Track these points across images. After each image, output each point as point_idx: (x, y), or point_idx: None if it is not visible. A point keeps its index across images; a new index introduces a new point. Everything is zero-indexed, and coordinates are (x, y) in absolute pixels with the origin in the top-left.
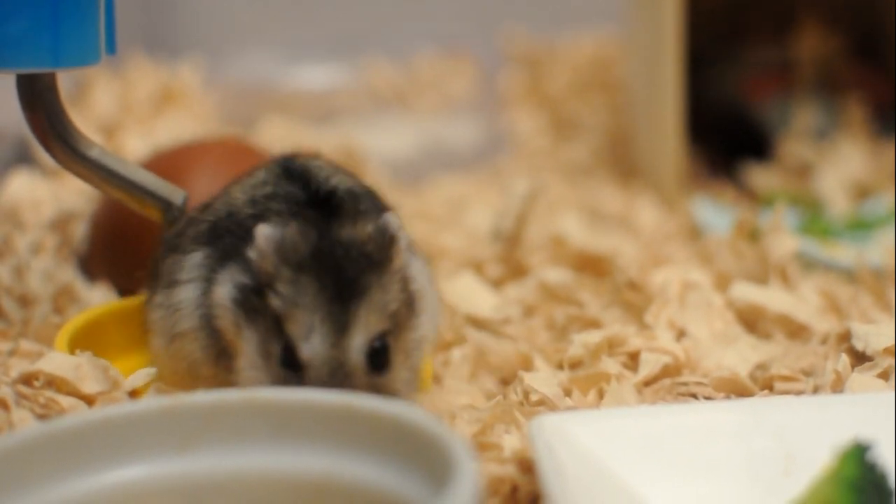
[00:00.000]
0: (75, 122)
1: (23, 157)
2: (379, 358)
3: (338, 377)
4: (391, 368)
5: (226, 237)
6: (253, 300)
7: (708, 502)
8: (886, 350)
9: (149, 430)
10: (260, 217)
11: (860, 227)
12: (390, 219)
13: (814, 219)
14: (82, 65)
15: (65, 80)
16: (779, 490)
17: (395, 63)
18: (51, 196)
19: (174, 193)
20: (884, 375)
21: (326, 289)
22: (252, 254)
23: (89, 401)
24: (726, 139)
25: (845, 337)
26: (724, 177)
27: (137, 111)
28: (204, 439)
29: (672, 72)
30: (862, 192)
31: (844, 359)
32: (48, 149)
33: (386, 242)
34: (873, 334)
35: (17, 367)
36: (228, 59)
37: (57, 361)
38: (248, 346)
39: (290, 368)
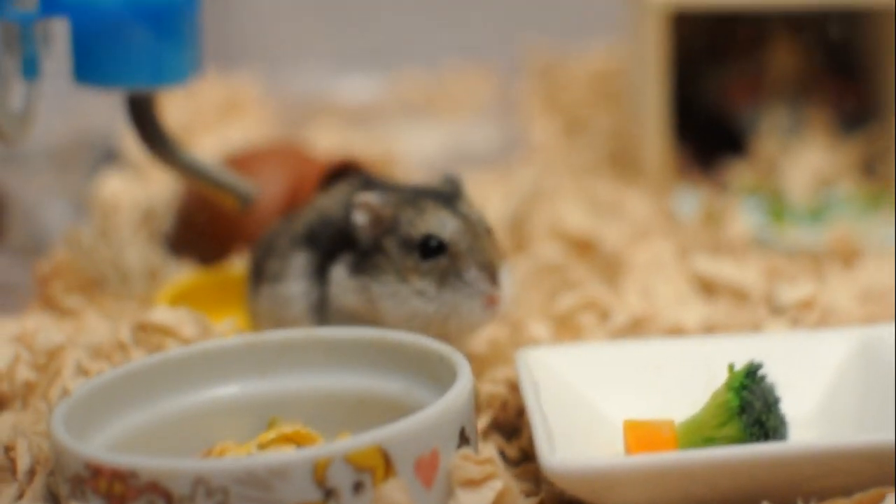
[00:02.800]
0: None
1: (112, 158)
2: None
3: (480, 249)
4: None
5: (323, 238)
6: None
7: (647, 412)
8: (797, 303)
9: (236, 359)
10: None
11: (818, 212)
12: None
13: (775, 206)
14: (177, 83)
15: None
16: (700, 404)
17: (424, 73)
18: (140, 192)
19: (248, 187)
20: (792, 322)
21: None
22: (359, 217)
23: (188, 343)
24: (710, 139)
25: (770, 296)
26: (707, 171)
27: (206, 119)
28: (278, 366)
29: (657, 84)
30: (822, 183)
31: (762, 310)
32: (151, 152)
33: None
34: (787, 292)
35: (128, 319)
36: (283, 72)
37: (162, 314)
38: (388, 289)
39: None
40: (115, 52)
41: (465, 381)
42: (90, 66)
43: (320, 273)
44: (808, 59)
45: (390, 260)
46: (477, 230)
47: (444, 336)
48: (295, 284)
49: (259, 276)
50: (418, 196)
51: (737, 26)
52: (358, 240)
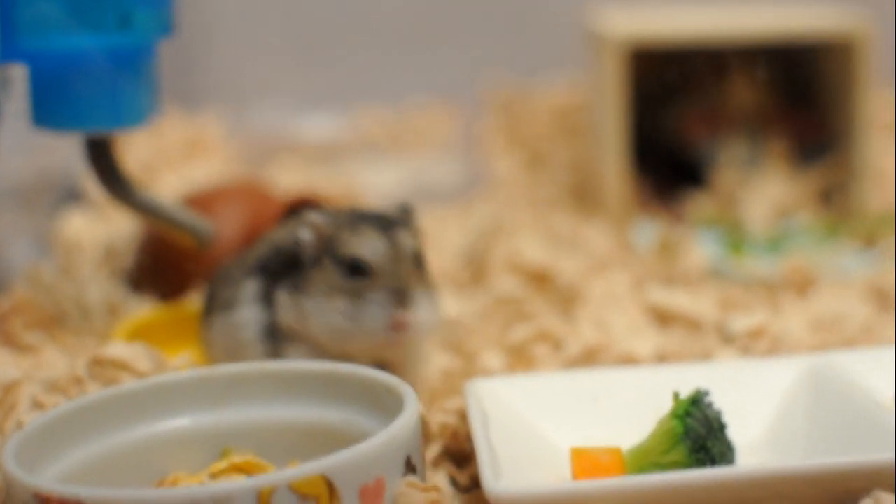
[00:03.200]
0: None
1: (71, 195)
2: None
3: (397, 274)
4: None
5: (272, 265)
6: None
7: (597, 440)
8: (748, 332)
9: (188, 392)
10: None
11: (776, 243)
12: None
13: (734, 237)
14: (135, 125)
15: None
16: (648, 432)
17: (387, 110)
18: (102, 230)
19: (204, 226)
20: (742, 350)
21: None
22: (304, 234)
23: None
24: (670, 172)
25: (721, 326)
26: (668, 203)
27: (170, 157)
28: (229, 398)
29: (616, 115)
30: (781, 214)
31: (712, 339)
32: (109, 192)
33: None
34: (738, 321)
35: (86, 354)
36: (246, 111)
37: (118, 348)
38: (315, 305)
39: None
40: (71, 96)
41: (410, 410)
42: (47, 110)
43: (269, 298)
44: (766, 92)
45: (323, 278)
46: (402, 256)
47: (360, 353)
48: (246, 310)
49: (211, 305)
50: (359, 219)
51: (696, 61)
52: (302, 259)
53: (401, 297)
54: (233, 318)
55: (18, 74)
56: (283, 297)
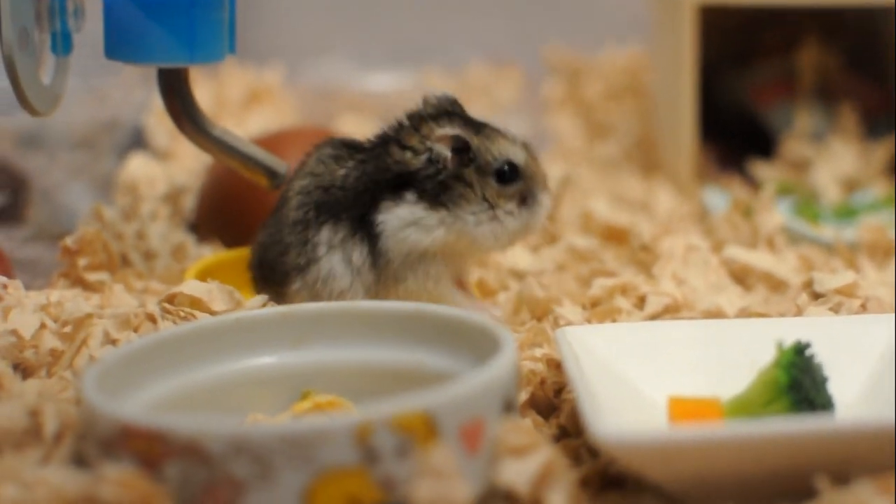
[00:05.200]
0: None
1: (138, 143)
2: None
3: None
4: None
5: (342, 202)
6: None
7: (682, 391)
8: (837, 290)
9: (271, 330)
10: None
11: (847, 214)
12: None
13: (806, 206)
14: (211, 61)
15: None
16: (741, 385)
17: (450, 72)
18: (163, 174)
19: (279, 164)
20: (834, 308)
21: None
22: (441, 149)
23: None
24: (739, 139)
25: (809, 284)
26: (736, 171)
27: (230, 107)
28: (312, 337)
29: (688, 80)
30: (851, 186)
31: (804, 296)
32: (181, 128)
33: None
34: (828, 280)
35: (151, 295)
36: (306, 65)
37: (193, 286)
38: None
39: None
40: (148, 28)
41: (508, 352)
42: (122, 41)
43: (350, 239)
44: (838, 61)
45: (473, 188)
46: (535, 154)
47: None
48: (331, 259)
49: (284, 275)
50: (480, 127)
51: (767, 27)
52: (429, 174)
53: (550, 192)
54: (317, 272)
55: (91, 8)
56: (407, 218)
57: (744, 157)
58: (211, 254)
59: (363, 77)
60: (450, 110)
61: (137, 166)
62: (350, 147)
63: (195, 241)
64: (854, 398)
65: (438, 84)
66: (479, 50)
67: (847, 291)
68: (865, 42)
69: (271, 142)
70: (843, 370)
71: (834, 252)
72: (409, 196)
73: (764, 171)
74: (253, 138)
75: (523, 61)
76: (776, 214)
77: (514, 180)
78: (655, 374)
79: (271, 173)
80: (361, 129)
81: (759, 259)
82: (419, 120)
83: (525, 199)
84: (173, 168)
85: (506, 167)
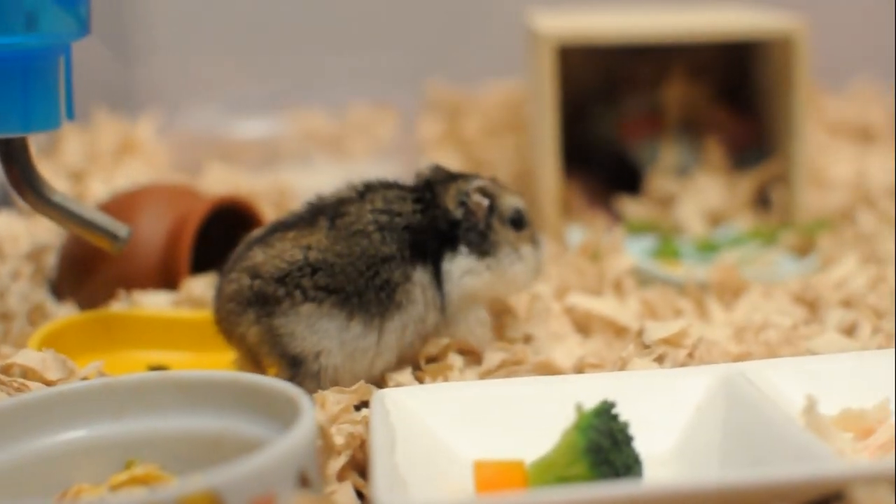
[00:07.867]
0: (47, 171)
1: (2, 200)
2: None
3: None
4: None
5: (421, 247)
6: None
7: (493, 452)
8: (663, 340)
9: (93, 401)
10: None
11: (708, 249)
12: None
13: (666, 243)
14: (48, 129)
15: (40, 134)
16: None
17: (329, 113)
18: (26, 232)
19: (119, 228)
20: (659, 359)
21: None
22: (481, 200)
23: (52, 386)
24: (608, 175)
25: (640, 333)
26: (603, 207)
27: (102, 160)
28: (133, 407)
29: (549, 118)
30: (717, 219)
31: (630, 348)
32: (21, 195)
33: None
34: (656, 329)
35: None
36: (183, 112)
37: (27, 356)
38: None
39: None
40: None
41: (304, 422)
42: None
43: (432, 283)
44: (704, 95)
45: (499, 236)
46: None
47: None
48: (424, 300)
49: (381, 310)
50: (483, 181)
51: (636, 62)
52: (470, 225)
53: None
54: (414, 313)
55: None
56: (465, 266)
57: (612, 193)
58: (66, 315)
59: (237, 124)
60: (453, 174)
61: (0, 224)
62: (404, 189)
63: (55, 300)
64: (668, 453)
65: (317, 126)
66: (360, 89)
67: (674, 341)
68: (733, 75)
69: (126, 201)
70: (657, 425)
71: (685, 292)
72: (462, 248)
73: (630, 206)
74: (110, 197)
75: (404, 99)
76: (625, 256)
77: (525, 226)
78: (468, 436)
79: (112, 237)
80: (229, 178)
81: (601, 305)
82: (439, 181)
83: (535, 241)
84: (37, 226)
85: (517, 215)
